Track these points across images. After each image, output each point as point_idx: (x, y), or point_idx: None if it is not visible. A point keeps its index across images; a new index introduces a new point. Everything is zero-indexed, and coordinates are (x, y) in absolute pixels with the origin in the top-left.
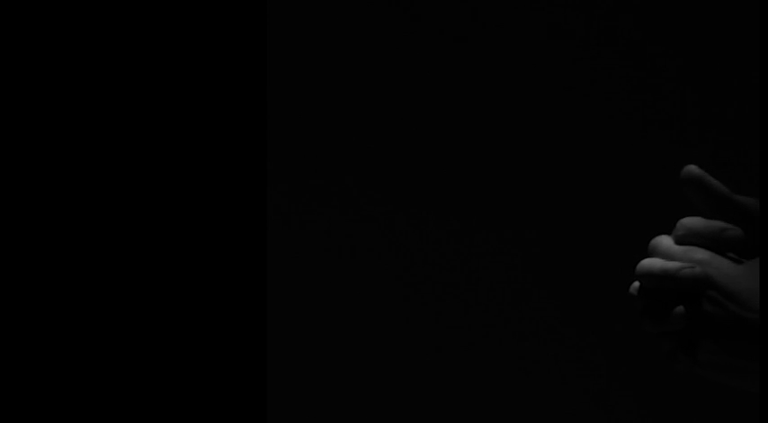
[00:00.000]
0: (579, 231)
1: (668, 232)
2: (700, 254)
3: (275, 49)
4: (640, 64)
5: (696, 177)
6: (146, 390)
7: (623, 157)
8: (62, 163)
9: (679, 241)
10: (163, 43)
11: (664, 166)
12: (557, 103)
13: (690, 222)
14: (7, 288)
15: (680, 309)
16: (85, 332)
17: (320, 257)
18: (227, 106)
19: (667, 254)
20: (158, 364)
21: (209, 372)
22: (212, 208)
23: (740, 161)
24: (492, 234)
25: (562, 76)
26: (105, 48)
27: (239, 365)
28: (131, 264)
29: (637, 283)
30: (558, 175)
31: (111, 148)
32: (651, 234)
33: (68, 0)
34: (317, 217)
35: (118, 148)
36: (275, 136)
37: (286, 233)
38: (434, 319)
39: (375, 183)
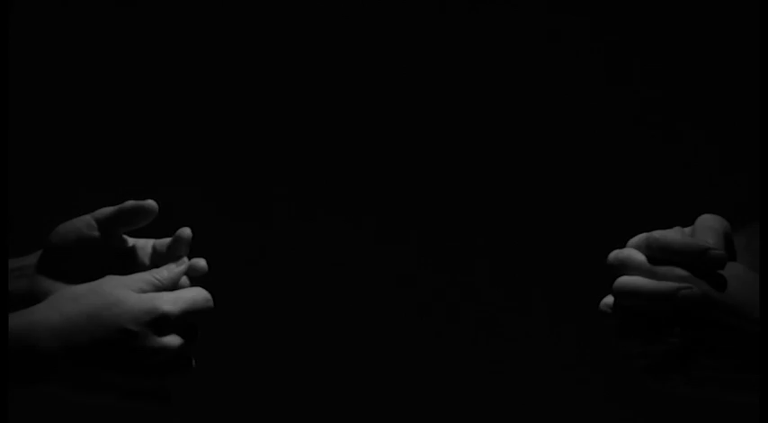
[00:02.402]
0: (560, 232)
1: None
2: (683, 272)
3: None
4: (640, 63)
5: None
6: None
7: (622, 156)
8: None
9: (654, 258)
10: None
11: (659, 167)
12: (552, 103)
13: (666, 239)
14: None
15: (674, 329)
16: None
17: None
18: None
19: (647, 272)
20: None
21: None
22: None
23: (740, 162)
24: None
25: (556, 75)
26: None
27: None
28: None
29: (610, 300)
30: (553, 175)
31: None
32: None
33: None
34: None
35: None
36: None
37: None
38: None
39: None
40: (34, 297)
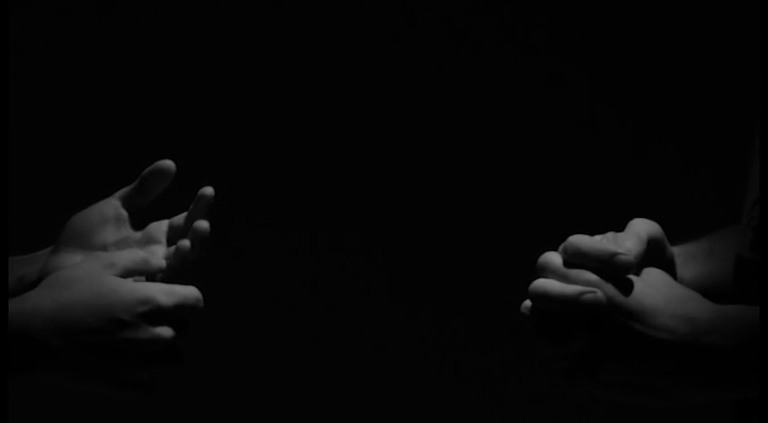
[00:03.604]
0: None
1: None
2: (593, 277)
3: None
4: (638, 63)
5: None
6: None
7: (621, 157)
8: None
9: (568, 261)
10: None
11: (654, 169)
12: (543, 105)
13: (578, 243)
14: None
15: (580, 332)
16: None
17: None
18: None
19: (560, 275)
20: None
21: None
22: None
23: (740, 161)
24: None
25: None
26: None
27: None
28: None
29: (529, 302)
30: (544, 176)
31: None
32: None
33: None
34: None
35: None
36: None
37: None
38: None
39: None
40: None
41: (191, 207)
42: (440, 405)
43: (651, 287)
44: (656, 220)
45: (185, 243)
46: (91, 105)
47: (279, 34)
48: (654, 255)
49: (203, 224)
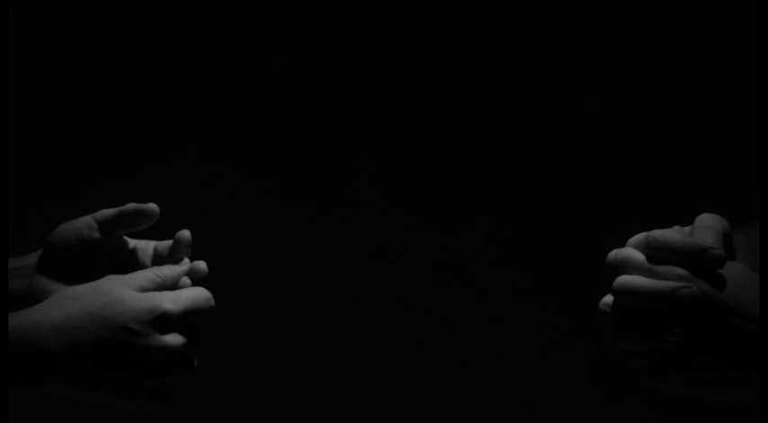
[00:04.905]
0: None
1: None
2: (684, 272)
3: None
4: (637, 63)
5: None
6: None
7: (622, 155)
8: None
9: (653, 257)
10: None
11: (659, 166)
12: (551, 103)
13: (666, 238)
14: None
15: (677, 328)
16: None
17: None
18: None
19: (647, 271)
20: None
21: None
22: None
23: (740, 161)
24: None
25: (551, 74)
26: None
27: None
28: None
29: (610, 299)
30: (552, 174)
31: None
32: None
33: None
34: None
35: None
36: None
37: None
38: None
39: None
40: (33, 297)
41: (171, 245)
42: (440, 405)
43: (740, 280)
44: (672, 218)
45: (186, 281)
46: (91, 105)
47: (278, 33)
48: (726, 249)
49: (202, 265)
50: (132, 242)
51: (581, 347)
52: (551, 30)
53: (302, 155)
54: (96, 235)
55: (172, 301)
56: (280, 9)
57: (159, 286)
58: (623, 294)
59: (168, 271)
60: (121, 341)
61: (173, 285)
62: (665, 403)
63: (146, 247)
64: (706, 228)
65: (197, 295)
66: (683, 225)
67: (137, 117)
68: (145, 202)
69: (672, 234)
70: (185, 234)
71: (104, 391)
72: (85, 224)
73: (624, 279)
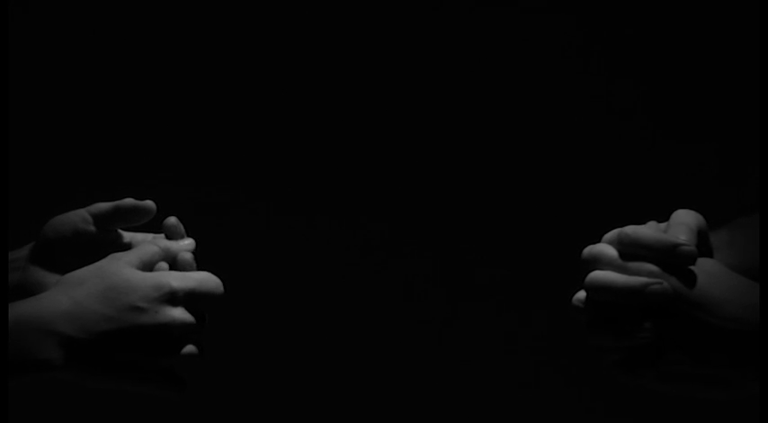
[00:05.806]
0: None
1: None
2: (655, 268)
3: None
4: (637, 63)
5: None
6: None
7: (620, 157)
8: None
9: (625, 253)
10: None
11: (650, 164)
12: (544, 102)
13: (637, 234)
14: None
15: (648, 324)
16: None
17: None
18: None
19: (619, 267)
20: None
21: None
22: None
23: (741, 164)
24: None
25: (550, 73)
26: None
27: None
28: None
29: (582, 295)
30: (540, 174)
31: None
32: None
33: None
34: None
35: None
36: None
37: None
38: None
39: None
40: (26, 289)
41: (163, 234)
42: (440, 405)
43: (712, 277)
44: (664, 214)
45: (193, 264)
46: (91, 105)
47: (277, 32)
48: (701, 245)
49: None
50: (128, 235)
51: (581, 348)
52: (548, 30)
53: (302, 155)
54: (91, 228)
55: (178, 279)
56: (280, 12)
57: (161, 257)
58: (595, 290)
59: (169, 243)
60: (131, 321)
61: (174, 259)
62: (665, 403)
63: (143, 240)
64: (680, 224)
65: (205, 277)
66: (659, 221)
67: (137, 117)
68: (143, 200)
69: (644, 230)
70: (171, 219)
71: (117, 375)
72: (80, 217)
73: (596, 275)
